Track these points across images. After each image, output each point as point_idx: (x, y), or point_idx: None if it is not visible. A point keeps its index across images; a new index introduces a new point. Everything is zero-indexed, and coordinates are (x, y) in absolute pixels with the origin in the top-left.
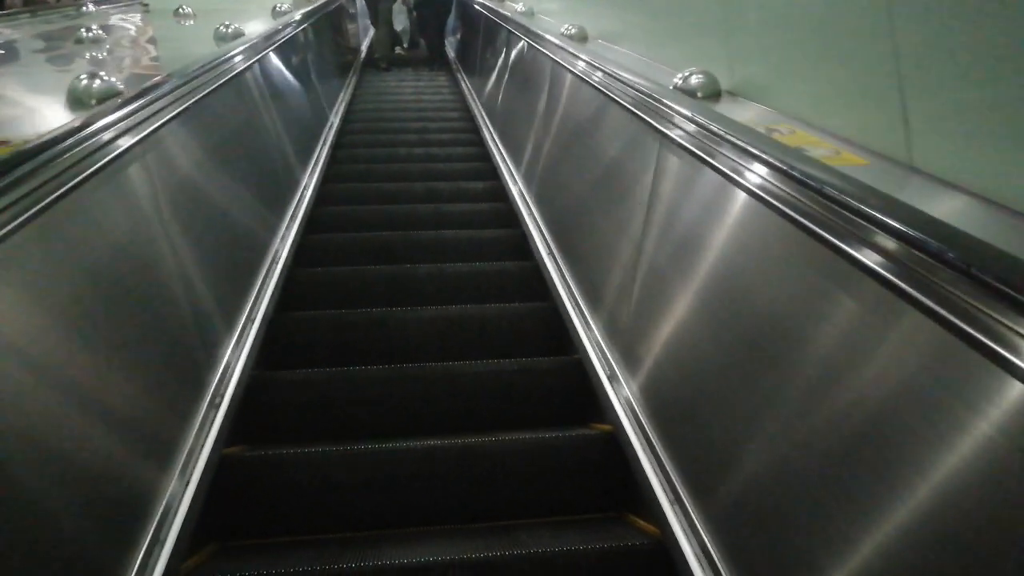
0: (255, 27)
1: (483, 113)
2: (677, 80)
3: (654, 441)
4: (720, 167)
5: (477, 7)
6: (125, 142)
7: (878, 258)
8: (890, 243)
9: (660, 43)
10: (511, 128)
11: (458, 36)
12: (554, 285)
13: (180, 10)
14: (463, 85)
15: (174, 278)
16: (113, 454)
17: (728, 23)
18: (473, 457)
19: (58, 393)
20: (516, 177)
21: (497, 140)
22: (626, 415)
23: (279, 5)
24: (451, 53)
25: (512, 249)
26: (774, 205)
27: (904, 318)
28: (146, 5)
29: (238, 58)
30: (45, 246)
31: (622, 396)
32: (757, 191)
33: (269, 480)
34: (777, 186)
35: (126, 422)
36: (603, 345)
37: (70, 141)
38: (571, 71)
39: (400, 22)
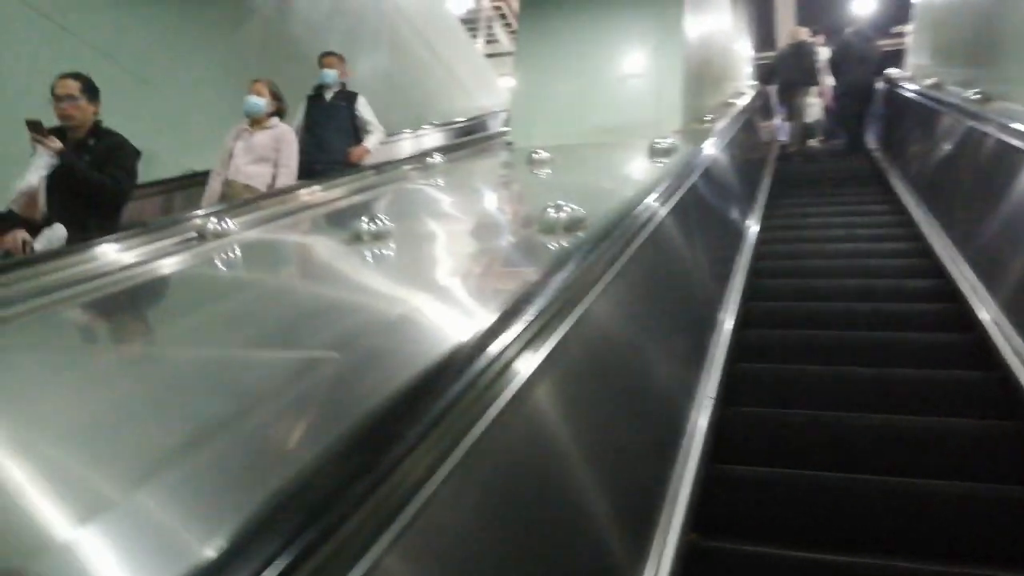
0: (632, 171)
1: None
2: None
3: None
4: None
5: (926, 102)
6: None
7: None
8: None
9: None
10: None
11: (885, 128)
12: None
13: (534, 156)
14: (893, 181)
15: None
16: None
17: None
18: None
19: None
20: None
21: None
22: None
23: (658, 142)
24: (872, 145)
25: None
26: None
27: None
28: (509, 144)
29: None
30: None
31: None
32: None
33: (726, 571)
34: None
35: (607, 516)
36: None
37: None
38: None
39: (812, 115)
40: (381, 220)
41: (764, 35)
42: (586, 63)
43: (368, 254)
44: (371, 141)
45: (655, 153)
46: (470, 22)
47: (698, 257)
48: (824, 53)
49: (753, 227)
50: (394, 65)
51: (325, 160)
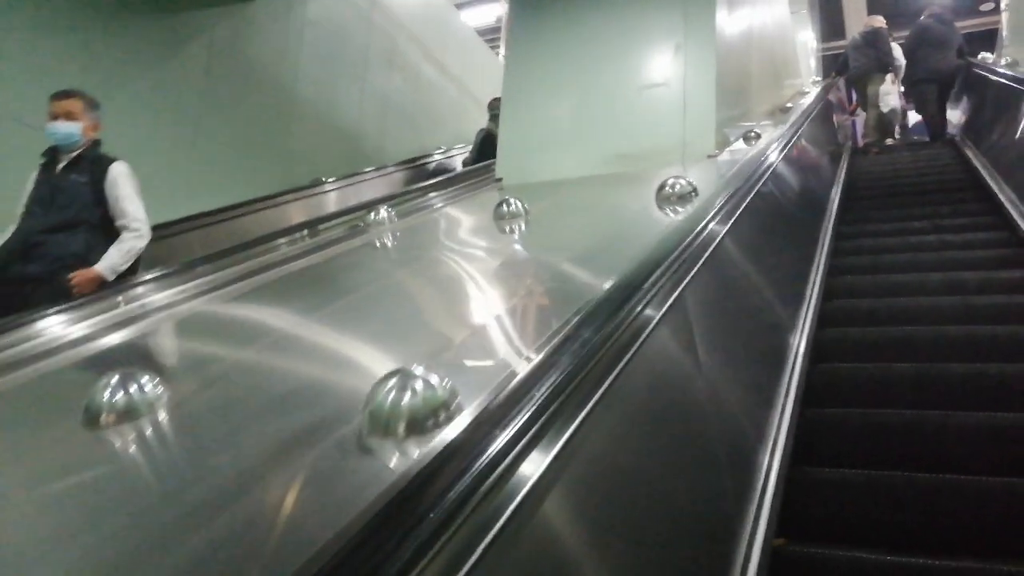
0: (630, 231)
1: None
2: None
3: None
4: None
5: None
6: None
7: None
8: None
9: None
10: None
11: (972, 119)
12: None
13: (504, 208)
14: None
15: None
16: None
17: None
18: None
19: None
20: None
21: None
22: None
23: (670, 184)
24: (953, 132)
25: None
26: None
27: None
28: (499, 180)
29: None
30: None
31: None
32: None
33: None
34: None
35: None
36: None
37: None
38: None
39: (888, 103)
40: (135, 387)
41: (831, 24)
42: (590, 73)
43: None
44: (115, 255)
45: (666, 200)
46: (497, 31)
47: (721, 370)
48: (896, 50)
49: (816, 275)
50: (391, 86)
51: (36, 271)
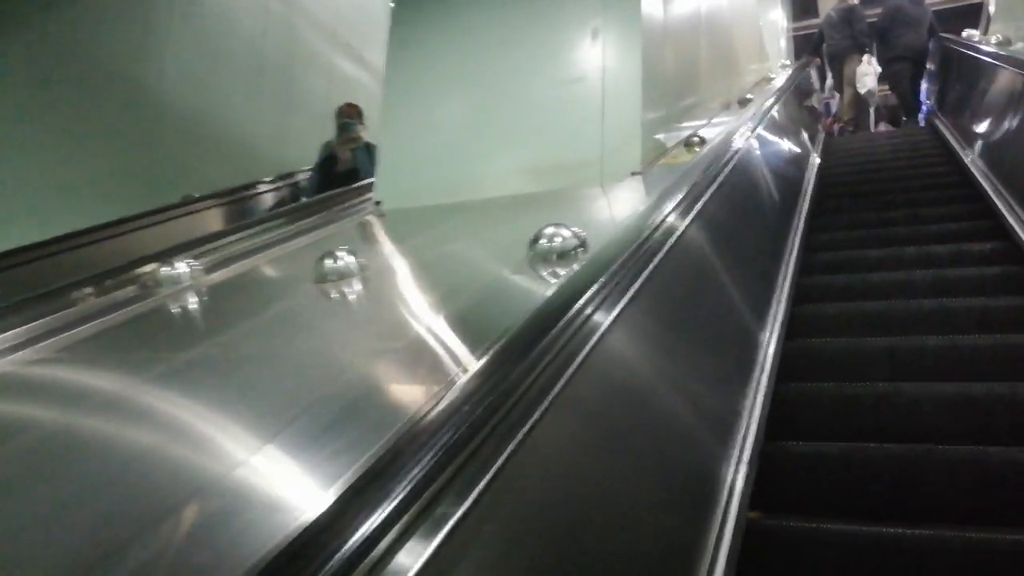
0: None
1: None
2: None
3: None
4: None
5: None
6: None
7: None
8: None
9: None
10: None
11: (954, 100)
12: None
13: (330, 264)
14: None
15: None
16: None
17: None
18: None
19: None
20: None
21: None
22: None
23: (547, 236)
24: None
25: None
26: None
27: None
28: (378, 203)
29: None
30: None
31: None
32: None
33: (789, 549)
34: None
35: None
36: None
37: None
38: None
39: (866, 84)
40: None
41: (803, 1)
42: (490, 67)
43: None
44: None
45: (542, 258)
46: None
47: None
48: None
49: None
50: (294, 82)
51: None
